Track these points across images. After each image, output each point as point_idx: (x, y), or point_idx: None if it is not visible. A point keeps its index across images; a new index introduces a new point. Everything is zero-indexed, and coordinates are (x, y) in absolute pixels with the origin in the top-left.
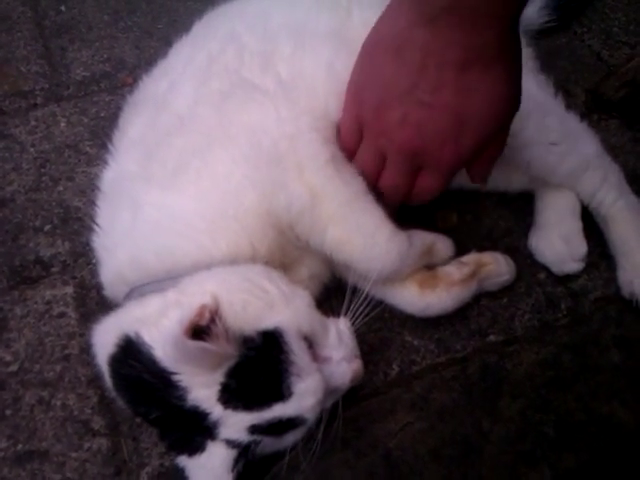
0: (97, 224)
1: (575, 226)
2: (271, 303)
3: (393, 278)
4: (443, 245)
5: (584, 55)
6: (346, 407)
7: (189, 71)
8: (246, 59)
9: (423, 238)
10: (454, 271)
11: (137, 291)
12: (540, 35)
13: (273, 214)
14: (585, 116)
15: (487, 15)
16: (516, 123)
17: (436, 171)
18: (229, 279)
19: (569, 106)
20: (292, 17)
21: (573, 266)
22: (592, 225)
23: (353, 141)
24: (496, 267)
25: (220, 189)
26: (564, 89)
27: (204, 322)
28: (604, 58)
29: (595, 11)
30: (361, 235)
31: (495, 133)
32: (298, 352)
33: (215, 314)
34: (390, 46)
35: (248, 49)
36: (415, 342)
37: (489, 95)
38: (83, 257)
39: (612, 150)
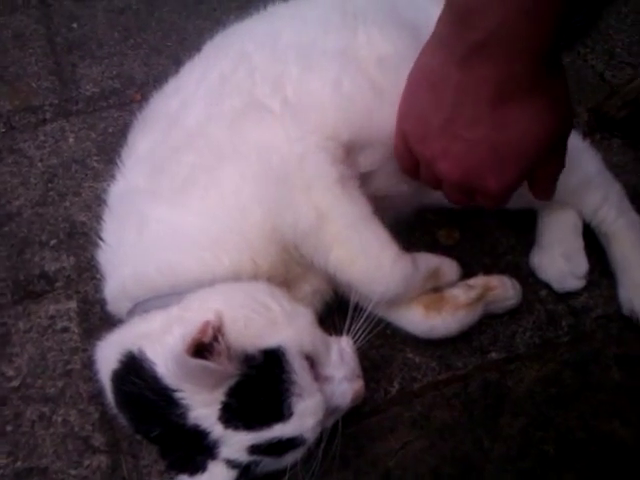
0: (102, 239)
1: (577, 244)
2: (274, 321)
3: (397, 301)
4: (449, 269)
5: (587, 75)
6: (347, 425)
7: (201, 90)
8: (257, 79)
9: (428, 262)
10: (461, 294)
11: (140, 307)
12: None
13: (278, 232)
14: (588, 135)
15: (518, 51)
16: None
17: (487, 197)
18: (233, 296)
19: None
20: (300, 37)
21: (574, 284)
22: (594, 243)
23: (411, 163)
24: (503, 291)
25: (226, 205)
26: None
27: (207, 339)
28: (607, 78)
29: (598, 32)
30: (366, 257)
31: (542, 159)
32: (300, 371)
33: (218, 331)
34: (426, 82)
35: (258, 69)
36: (417, 359)
37: (525, 127)
38: (87, 272)
39: (614, 169)
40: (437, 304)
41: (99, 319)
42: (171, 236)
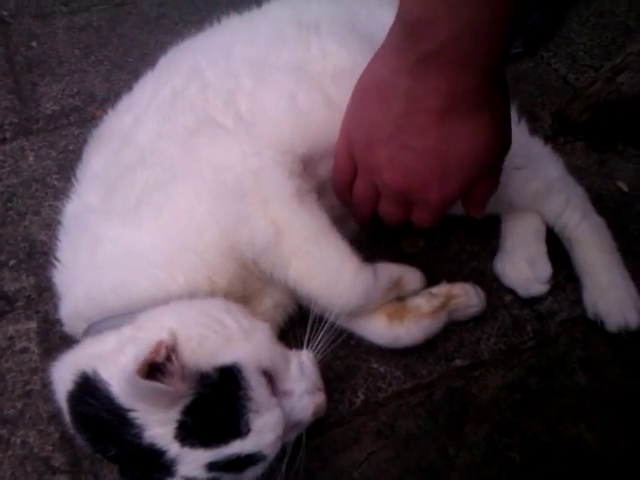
0: (57, 259)
1: (540, 249)
2: (229, 338)
3: (359, 312)
4: (412, 278)
5: (550, 79)
6: (311, 437)
7: (154, 106)
8: (209, 95)
9: (390, 272)
10: (424, 303)
11: (95, 327)
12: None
13: (236, 249)
14: (551, 139)
15: (468, 65)
16: None
17: (425, 209)
18: (187, 314)
19: (536, 130)
20: (253, 51)
21: (539, 288)
22: (557, 247)
23: (348, 174)
24: (466, 299)
25: (181, 223)
26: (531, 113)
27: (160, 359)
28: (570, 82)
29: (561, 36)
30: (325, 271)
31: (481, 175)
32: (257, 388)
33: (172, 351)
34: (376, 90)
35: (211, 85)
36: (381, 369)
37: (470, 142)
38: (48, 291)
39: (578, 172)
40: (400, 313)
41: (59, 338)
42: (125, 256)
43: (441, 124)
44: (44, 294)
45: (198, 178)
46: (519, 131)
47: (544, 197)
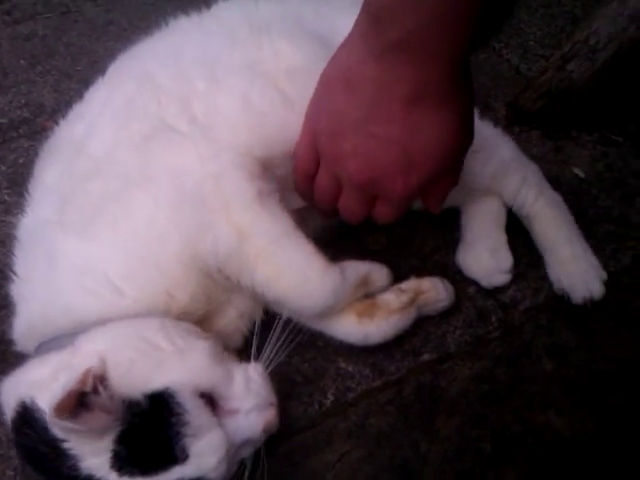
0: (15, 273)
1: (500, 239)
2: (162, 361)
3: (329, 312)
4: (379, 275)
5: (503, 70)
6: (280, 443)
7: (106, 114)
8: (162, 100)
9: (357, 270)
10: (393, 299)
11: (43, 347)
12: None
13: (199, 258)
14: (507, 129)
15: (434, 55)
16: None
17: (389, 201)
18: (119, 336)
19: (491, 120)
20: (204, 52)
21: (501, 278)
22: (516, 236)
23: (310, 166)
24: (435, 293)
25: (140, 235)
26: (485, 104)
27: (88, 389)
28: (523, 71)
29: (512, 27)
30: (292, 272)
31: (446, 167)
32: (193, 411)
33: (99, 380)
34: (342, 79)
35: (163, 89)
36: (350, 368)
37: (437, 133)
38: (4, 309)
39: (534, 160)
40: (370, 310)
41: (15, 357)
42: (78, 271)
43: (408, 113)
44: (0, 312)
45: (155, 186)
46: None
47: (501, 177)
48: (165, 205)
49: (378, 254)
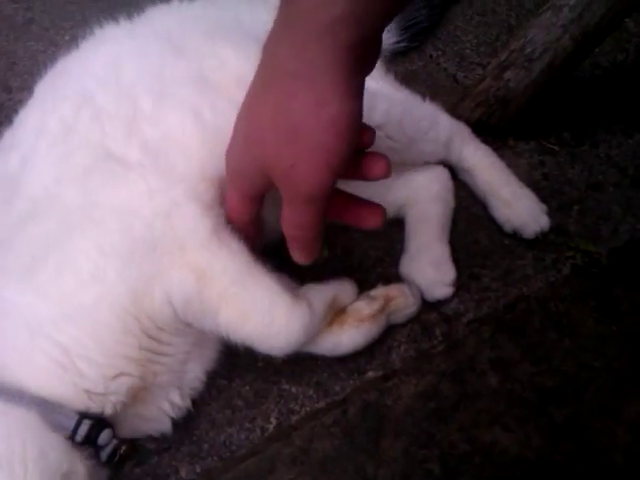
0: None
1: (444, 251)
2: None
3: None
4: (346, 294)
5: (440, 78)
6: (222, 472)
7: (42, 144)
8: (106, 124)
9: (324, 297)
10: (364, 307)
11: None
12: (396, 60)
13: (143, 315)
14: None
15: (328, 33)
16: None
17: (296, 203)
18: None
19: None
20: (144, 64)
21: (444, 291)
22: (458, 248)
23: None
24: (403, 300)
25: (84, 291)
26: None
27: None
28: (460, 80)
29: (448, 34)
30: (258, 312)
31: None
32: None
33: None
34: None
35: (105, 111)
36: (293, 389)
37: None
38: None
39: None
40: (340, 318)
41: None
42: (13, 325)
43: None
44: None
45: (101, 230)
46: (410, 102)
47: (450, 143)
48: (111, 252)
49: (320, 268)
